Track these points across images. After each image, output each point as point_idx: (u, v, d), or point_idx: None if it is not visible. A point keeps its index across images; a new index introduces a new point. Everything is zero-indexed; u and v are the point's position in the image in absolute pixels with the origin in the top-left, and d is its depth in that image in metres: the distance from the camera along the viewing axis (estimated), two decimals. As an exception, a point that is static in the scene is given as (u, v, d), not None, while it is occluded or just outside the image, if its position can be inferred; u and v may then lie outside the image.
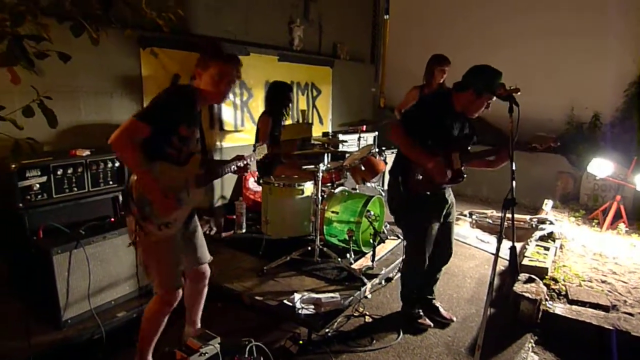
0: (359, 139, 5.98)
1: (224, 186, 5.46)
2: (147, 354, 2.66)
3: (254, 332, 2.98)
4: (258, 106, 5.54)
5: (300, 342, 3.13)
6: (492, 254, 2.56)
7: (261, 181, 4.41)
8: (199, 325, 2.97)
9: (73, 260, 2.93)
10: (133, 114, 2.23)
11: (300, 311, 3.25)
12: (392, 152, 6.07)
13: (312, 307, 3.30)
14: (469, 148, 3.20)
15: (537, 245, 4.76)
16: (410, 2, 8.47)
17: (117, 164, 3.46)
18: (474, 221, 6.07)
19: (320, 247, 4.03)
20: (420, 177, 3.12)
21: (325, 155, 4.43)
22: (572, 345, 3.33)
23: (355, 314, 3.62)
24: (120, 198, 3.54)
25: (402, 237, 4.15)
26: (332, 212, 4.20)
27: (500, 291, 4.09)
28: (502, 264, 4.45)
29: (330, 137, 6.10)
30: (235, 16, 5.45)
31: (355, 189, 4.74)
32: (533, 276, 3.88)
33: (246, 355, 2.67)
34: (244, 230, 4.89)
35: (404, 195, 3.19)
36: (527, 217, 5.71)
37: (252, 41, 5.67)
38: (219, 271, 3.81)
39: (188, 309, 2.90)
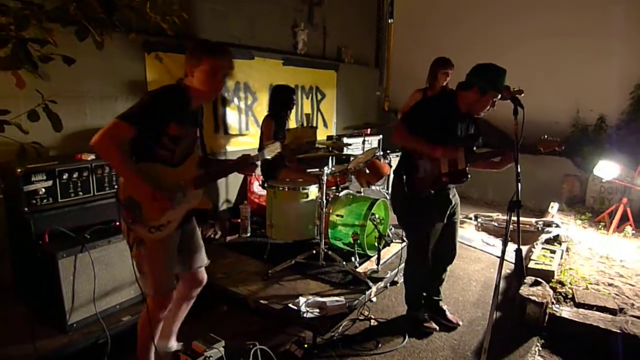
0: (363, 142, 5.98)
1: (229, 190, 5.47)
2: (148, 357, 2.65)
3: (258, 336, 2.97)
4: (262, 110, 5.55)
5: (305, 345, 3.13)
6: (498, 257, 2.55)
7: (266, 185, 4.41)
8: (174, 340, 2.86)
9: (78, 264, 2.94)
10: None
11: (305, 315, 3.24)
12: (397, 155, 6.07)
13: (317, 310, 3.29)
14: (474, 149, 3.18)
15: (543, 248, 4.73)
16: (414, 6, 8.49)
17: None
18: (479, 224, 6.04)
19: (325, 250, 4.03)
20: (425, 175, 3.10)
21: (330, 158, 4.42)
22: (579, 349, 3.30)
23: (360, 318, 3.61)
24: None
25: (405, 239, 4.14)
26: (337, 215, 4.20)
27: (507, 294, 4.07)
28: (508, 267, 4.43)
29: (335, 140, 6.09)
30: (240, 21, 5.48)
31: (360, 192, 4.74)
32: (539, 279, 3.85)
33: (251, 359, 2.66)
34: (248, 234, 4.89)
35: (407, 195, 3.18)
36: (533, 220, 5.68)
37: (257, 45, 5.69)
38: (224, 275, 3.81)
39: (169, 317, 2.70)
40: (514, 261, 2.39)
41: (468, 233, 5.78)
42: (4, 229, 3.26)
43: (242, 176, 5.47)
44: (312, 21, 6.70)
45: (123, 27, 2.13)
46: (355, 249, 3.99)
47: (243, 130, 5.54)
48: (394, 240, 4.75)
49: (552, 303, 3.65)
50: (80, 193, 3.27)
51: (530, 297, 3.58)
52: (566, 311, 3.55)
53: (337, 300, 3.44)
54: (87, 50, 2.37)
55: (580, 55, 6.78)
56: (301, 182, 4.34)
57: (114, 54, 4.00)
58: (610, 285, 4.08)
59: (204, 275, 2.78)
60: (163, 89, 2.33)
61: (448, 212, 3.29)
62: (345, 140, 5.81)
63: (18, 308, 3.18)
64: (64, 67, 2.02)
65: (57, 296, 2.88)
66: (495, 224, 5.95)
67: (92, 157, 3.36)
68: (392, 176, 3.69)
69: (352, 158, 4.84)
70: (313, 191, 4.23)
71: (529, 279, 3.86)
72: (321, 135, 6.74)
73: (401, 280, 4.13)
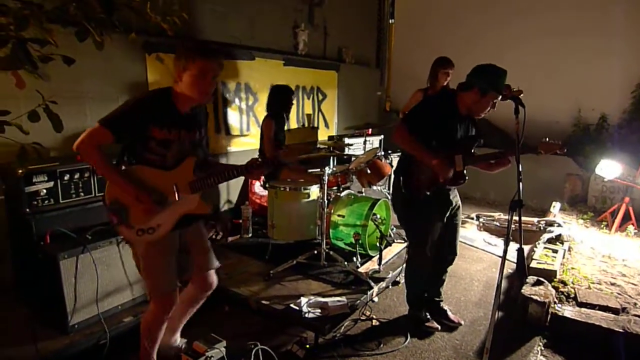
0: (364, 143, 5.97)
1: (230, 191, 5.47)
2: (151, 358, 2.64)
3: (260, 336, 2.97)
4: (263, 110, 5.53)
5: (307, 346, 3.12)
6: (500, 256, 2.55)
7: (267, 185, 4.41)
8: (178, 336, 2.87)
9: (80, 265, 2.94)
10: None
11: (306, 315, 3.24)
12: (398, 155, 6.06)
13: (319, 311, 3.28)
14: (473, 151, 3.18)
15: (545, 247, 4.72)
16: (415, 6, 8.48)
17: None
18: (481, 224, 6.03)
19: (327, 250, 4.02)
20: (421, 176, 3.10)
21: (331, 158, 4.42)
22: (581, 348, 3.29)
23: (362, 318, 3.60)
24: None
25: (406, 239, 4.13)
26: (338, 215, 4.19)
27: (509, 294, 4.06)
28: (510, 267, 4.42)
29: (336, 140, 6.09)
30: (240, 21, 5.48)
31: (361, 192, 4.73)
32: (541, 279, 3.85)
33: (252, 359, 2.65)
34: (250, 235, 4.89)
35: (405, 196, 3.18)
36: (535, 219, 5.67)
37: (258, 46, 5.69)
38: (226, 276, 3.81)
39: (176, 314, 2.73)
40: (515, 261, 2.38)
41: (470, 233, 5.78)
42: (5, 230, 3.26)
43: (243, 177, 5.46)
44: (313, 21, 6.70)
45: (123, 27, 2.13)
46: (357, 249, 3.98)
47: (244, 130, 5.54)
48: (395, 240, 4.75)
49: (555, 302, 3.64)
50: (82, 194, 3.27)
51: (532, 296, 3.57)
52: (568, 311, 3.54)
53: (338, 301, 3.43)
54: (88, 51, 2.38)
55: (581, 54, 6.77)
56: (302, 182, 4.33)
57: (115, 55, 4.00)
58: (612, 284, 4.07)
59: (213, 279, 2.75)
60: (145, 93, 2.33)
61: (449, 213, 3.29)
62: (347, 140, 5.82)
63: (19, 309, 3.18)
64: (64, 68, 2.03)
65: (58, 297, 2.88)
66: (497, 224, 5.94)
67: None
68: (392, 176, 3.70)
69: (353, 158, 4.83)
70: (314, 191, 4.22)
71: (531, 279, 3.86)
72: (322, 135, 6.75)
73: (403, 280, 4.13)
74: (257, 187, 5.40)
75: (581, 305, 3.65)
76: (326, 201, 3.99)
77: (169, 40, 4.34)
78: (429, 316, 3.51)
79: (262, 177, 4.73)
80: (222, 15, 5.19)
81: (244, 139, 5.54)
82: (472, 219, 6.17)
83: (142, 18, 2.19)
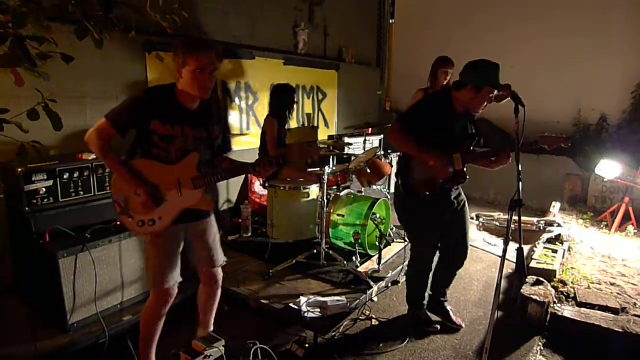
0: (364, 142, 5.98)
1: (230, 190, 5.47)
2: (149, 354, 2.66)
3: (259, 336, 2.97)
4: (264, 110, 5.55)
5: (307, 345, 3.12)
6: (499, 256, 2.54)
7: (267, 184, 4.41)
8: (211, 328, 2.94)
9: (79, 263, 2.94)
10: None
11: (306, 314, 3.24)
12: (398, 155, 6.06)
13: (318, 310, 3.28)
14: (472, 149, 3.14)
15: (545, 247, 4.72)
16: (415, 6, 8.48)
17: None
18: (481, 224, 6.03)
19: (326, 250, 4.02)
20: (420, 176, 3.07)
21: (331, 158, 4.41)
22: (581, 348, 3.29)
23: (361, 318, 3.60)
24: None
25: (407, 240, 4.13)
26: (338, 215, 4.19)
27: (508, 294, 4.06)
28: (509, 267, 4.41)
29: (336, 140, 6.09)
30: (241, 21, 5.48)
31: (361, 192, 4.73)
32: (541, 279, 3.84)
33: (251, 358, 2.65)
34: (249, 234, 4.89)
35: (404, 196, 3.18)
36: (535, 219, 5.66)
37: (258, 45, 5.68)
38: (225, 275, 3.79)
39: (200, 311, 2.89)
40: (515, 261, 2.37)
41: (470, 233, 5.75)
42: (5, 228, 3.26)
43: (243, 176, 5.47)
44: (313, 21, 6.69)
45: (122, 25, 2.13)
46: (357, 248, 3.99)
47: (244, 130, 5.54)
48: (395, 240, 4.75)
49: (554, 302, 3.64)
50: (81, 193, 3.26)
51: (532, 296, 3.57)
52: (568, 311, 3.54)
53: (338, 300, 3.43)
54: (88, 51, 2.38)
55: (582, 54, 6.76)
56: (302, 181, 4.33)
57: (115, 54, 4.00)
58: (612, 284, 4.07)
59: (217, 274, 2.80)
60: (148, 89, 2.41)
61: (454, 215, 3.25)
62: (347, 140, 5.80)
63: (19, 308, 3.18)
64: (65, 68, 2.03)
65: (58, 296, 2.88)
66: (497, 224, 5.94)
67: (93, 156, 3.35)
68: (393, 179, 3.69)
69: (353, 158, 4.84)
70: (314, 191, 4.22)
71: (531, 279, 3.85)
72: (322, 135, 6.74)
73: (402, 280, 4.14)
74: (257, 186, 5.40)
75: (581, 305, 3.64)
76: (326, 200, 3.99)
77: (169, 39, 4.32)
78: (428, 315, 3.51)
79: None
80: (223, 14, 5.19)
81: (244, 138, 5.54)
82: (472, 219, 6.15)
83: (142, 16, 2.19)
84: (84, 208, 3.29)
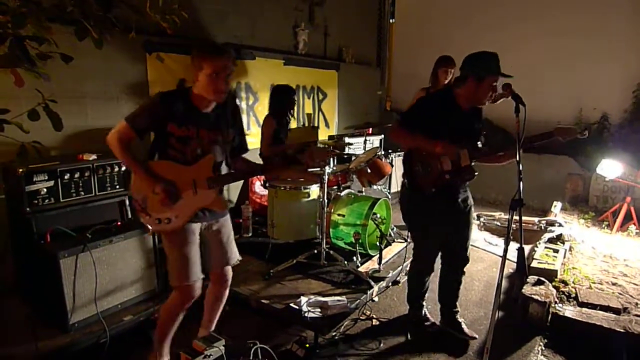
0: (365, 142, 5.97)
1: (231, 190, 5.47)
2: (163, 344, 2.71)
3: (260, 335, 2.96)
4: (264, 110, 5.53)
5: (307, 345, 3.11)
6: (500, 256, 2.52)
7: (267, 184, 4.41)
8: (212, 329, 2.95)
9: (80, 264, 2.94)
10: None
11: (306, 314, 3.24)
12: (399, 155, 6.06)
13: (319, 310, 3.28)
14: (479, 144, 3.07)
15: (546, 247, 4.71)
16: (415, 6, 8.47)
17: (123, 168, 3.47)
18: (482, 224, 6.03)
19: (327, 250, 4.02)
20: (426, 170, 3.04)
21: (331, 158, 4.41)
22: (582, 349, 3.28)
23: (362, 317, 3.60)
24: (127, 202, 3.56)
25: (409, 239, 4.13)
26: (339, 215, 4.19)
27: (509, 294, 4.05)
28: (510, 267, 4.40)
29: (336, 140, 6.09)
30: (241, 21, 5.48)
31: (361, 192, 4.73)
32: (542, 278, 3.84)
33: (251, 358, 2.65)
34: (250, 234, 4.89)
35: (409, 192, 3.16)
36: (536, 219, 5.66)
37: (258, 45, 5.69)
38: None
39: (205, 311, 2.91)
40: (516, 260, 2.36)
41: (472, 236, 5.75)
42: (6, 229, 3.27)
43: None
44: (313, 21, 6.69)
45: (122, 26, 2.13)
46: (357, 248, 3.98)
47: (244, 130, 5.51)
48: (395, 240, 4.75)
49: (555, 302, 3.64)
50: (82, 193, 3.27)
51: (533, 296, 3.56)
52: (569, 310, 3.53)
53: (338, 300, 3.43)
54: (88, 51, 2.38)
55: (582, 54, 6.75)
56: (303, 181, 4.33)
57: (115, 55, 4.01)
58: (613, 284, 4.06)
59: (227, 276, 2.84)
60: (161, 93, 2.47)
61: (459, 217, 3.21)
62: (347, 139, 5.81)
63: (20, 308, 3.19)
64: (65, 68, 2.03)
65: (58, 296, 2.89)
66: (498, 223, 5.94)
67: (94, 157, 3.36)
68: (394, 178, 3.67)
69: (353, 157, 4.83)
70: (314, 191, 4.22)
71: (532, 279, 3.85)
72: (323, 135, 6.74)
73: (403, 279, 4.13)
74: (258, 186, 5.40)
75: (582, 305, 3.63)
76: (326, 200, 3.99)
77: (170, 39, 4.34)
78: (428, 315, 3.50)
79: (263, 177, 4.74)
80: (223, 14, 5.19)
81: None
82: (473, 218, 6.14)
83: (142, 16, 2.19)
84: (85, 208, 3.30)
